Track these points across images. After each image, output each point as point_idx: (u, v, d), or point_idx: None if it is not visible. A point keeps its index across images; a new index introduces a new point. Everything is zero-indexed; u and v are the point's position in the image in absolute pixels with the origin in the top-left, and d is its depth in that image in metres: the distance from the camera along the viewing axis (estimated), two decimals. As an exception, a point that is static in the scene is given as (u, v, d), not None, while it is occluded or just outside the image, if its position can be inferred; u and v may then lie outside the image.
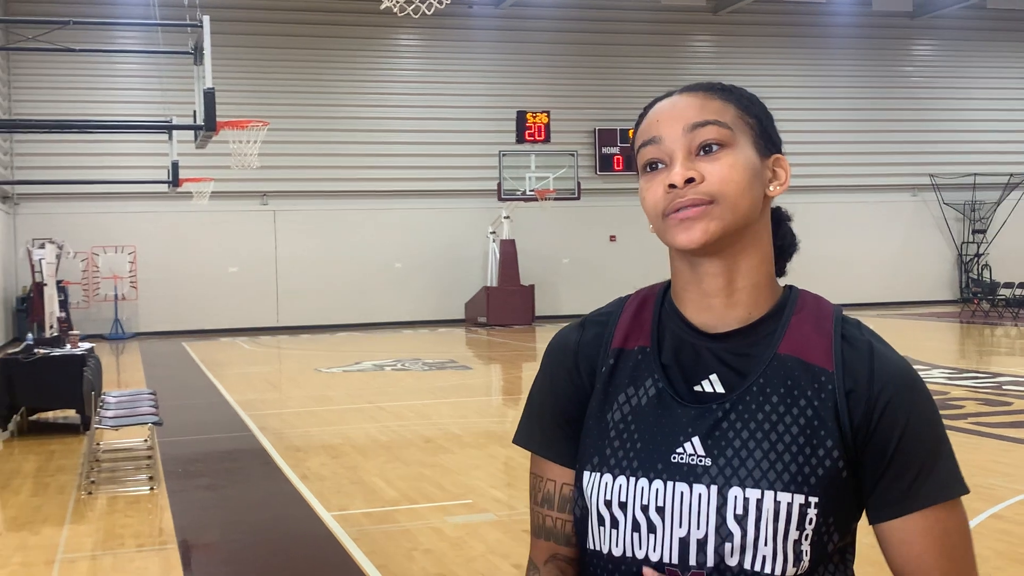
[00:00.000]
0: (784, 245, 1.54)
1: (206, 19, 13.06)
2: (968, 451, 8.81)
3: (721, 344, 1.42)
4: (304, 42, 27.68)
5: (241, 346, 23.06)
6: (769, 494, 1.32)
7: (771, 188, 1.44)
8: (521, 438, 1.56)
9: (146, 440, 9.56)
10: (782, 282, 1.52)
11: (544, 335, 24.13)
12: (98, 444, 9.38)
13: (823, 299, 1.46)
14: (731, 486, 1.34)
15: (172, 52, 16.89)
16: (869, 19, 31.95)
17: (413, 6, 8.15)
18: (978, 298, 27.82)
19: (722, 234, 1.37)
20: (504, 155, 26.98)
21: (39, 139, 25.18)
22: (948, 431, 1.41)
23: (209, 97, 12.70)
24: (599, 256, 29.22)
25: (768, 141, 1.45)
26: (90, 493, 8.07)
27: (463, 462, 9.06)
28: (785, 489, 1.32)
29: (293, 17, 27.58)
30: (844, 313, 1.44)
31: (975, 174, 31.65)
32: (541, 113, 27.16)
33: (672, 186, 1.37)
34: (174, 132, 19.85)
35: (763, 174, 1.43)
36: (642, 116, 1.48)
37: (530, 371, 17.69)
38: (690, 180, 1.37)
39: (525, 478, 1.57)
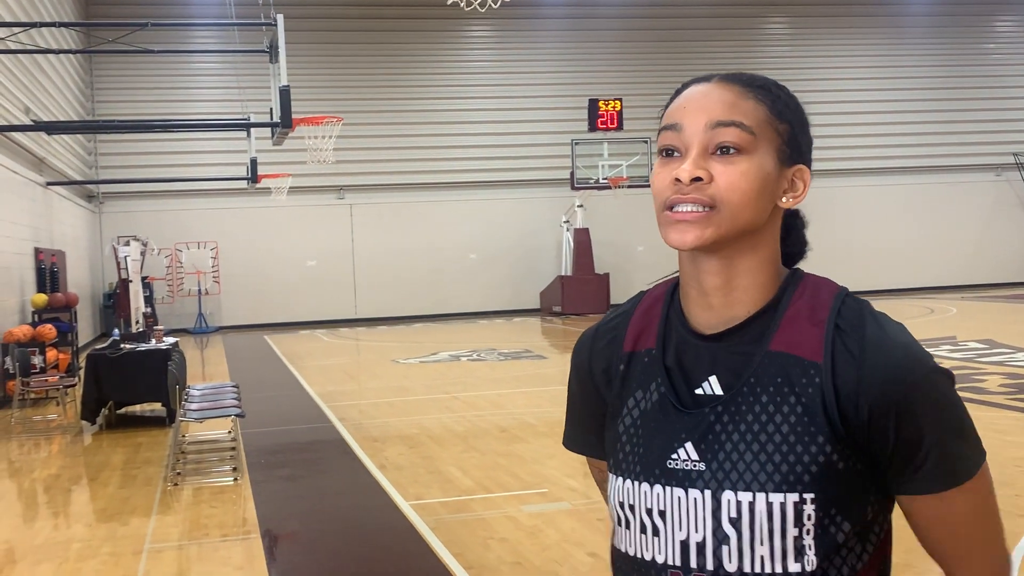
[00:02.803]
0: (792, 253, 1.50)
1: (280, 18, 13.28)
2: (1052, 436, 8.64)
3: (718, 344, 1.41)
4: (376, 36, 27.92)
5: (320, 338, 23.40)
6: (761, 496, 1.32)
7: (784, 199, 1.41)
8: (566, 440, 1.67)
9: (229, 432, 9.78)
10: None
11: (620, 323, 24.06)
12: (183, 436, 9.62)
13: (827, 283, 1.42)
14: (724, 490, 1.34)
15: (248, 51, 17.20)
16: (948, -5, 31.27)
17: (479, 0, 8.19)
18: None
19: (716, 240, 1.36)
20: (577, 144, 26.95)
21: (121, 139, 25.81)
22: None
23: (284, 94, 12.93)
24: (674, 243, 29.01)
25: (795, 150, 1.41)
26: (176, 484, 8.29)
27: (538, 451, 9.11)
28: (777, 490, 1.32)
29: (365, 12, 27.83)
30: (851, 295, 1.40)
31: (1061, 152, 30.85)
32: (613, 100, 27.05)
33: (678, 180, 1.36)
34: (252, 129, 20.21)
35: (778, 184, 1.40)
36: (675, 94, 1.45)
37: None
38: (697, 179, 1.35)
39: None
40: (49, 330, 14.30)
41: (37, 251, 17.48)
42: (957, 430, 1.34)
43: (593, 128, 26.94)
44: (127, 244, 21.47)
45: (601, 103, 27.02)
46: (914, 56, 30.93)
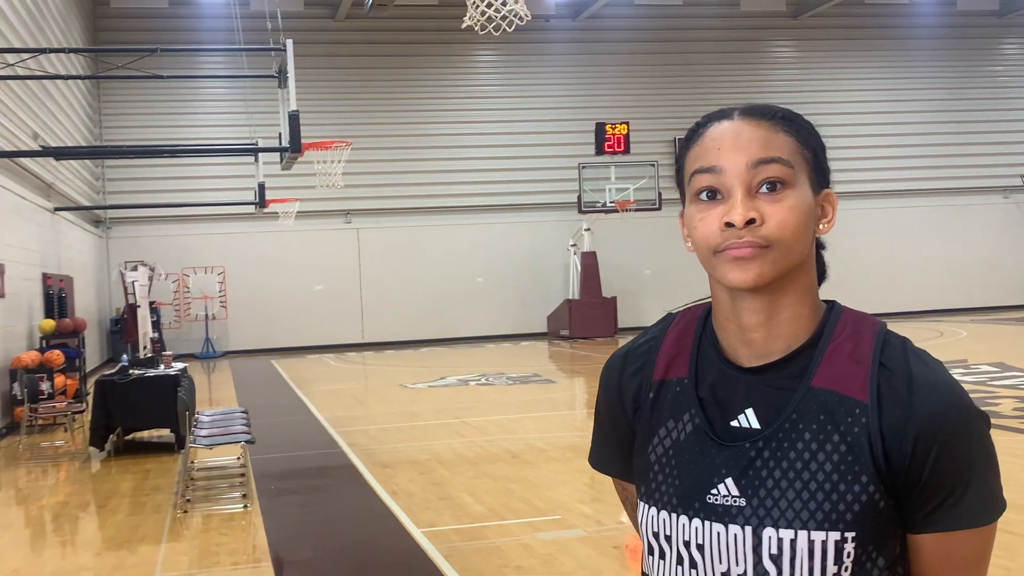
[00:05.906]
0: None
1: (289, 43, 13.29)
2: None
3: (757, 377, 1.39)
4: (385, 62, 28.00)
5: (328, 363, 23.35)
6: (803, 534, 1.32)
7: (820, 226, 1.41)
8: (593, 460, 1.65)
9: (239, 458, 9.73)
10: (825, 293, 1.47)
11: (628, 347, 23.99)
12: (192, 463, 9.56)
13: (866, 319, 1.40)
14: (765, 527, 1.34)
15: (257, 76, 17.22)
16: (954, 19, 31.32)
17: (494, 24, 8.17)
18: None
19: (775, 277, 1.35)
20: (584, 167, 26.96)
21: (129, 164, 25.86)
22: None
23: (293, 119, 12.93)
24: (681, 266, 28.97)
25: (821, 176, 1.41)
26: (185, 511, 8.22)
27: (550, 477, 9.04)
28: (819, 528, 1.31)
29: (373, 38, 27.92)
30: (890, 331, 1.39)
31: (1069, 174, 30.81)
32: (620, 124, 27.07)
33: (729, 224, 1.33)
34: (260, 154, 20.24)
35: (816, 212, 1.39)
36: (695, 133, 1.42)
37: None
38: (751, 221, 1.33)
39: (612, 493, 1.63)
40: (57, 356, 14.26)
41: (45, 276, 17.47)
42: (988, 475, 1.35)
43: (600, 152, 26.96)
44: (134, 269, 21.48)
45: (608, 127, 27.04)
46: (921, 79, 30.96)
